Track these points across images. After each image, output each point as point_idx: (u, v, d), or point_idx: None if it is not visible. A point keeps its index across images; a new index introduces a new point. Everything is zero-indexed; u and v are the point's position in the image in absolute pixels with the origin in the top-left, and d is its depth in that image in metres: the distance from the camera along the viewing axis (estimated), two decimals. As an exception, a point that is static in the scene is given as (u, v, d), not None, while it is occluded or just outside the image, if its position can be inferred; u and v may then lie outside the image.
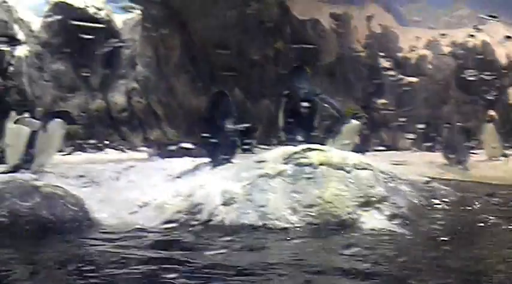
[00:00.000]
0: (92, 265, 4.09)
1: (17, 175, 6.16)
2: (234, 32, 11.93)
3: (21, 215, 5.32)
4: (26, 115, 7.53)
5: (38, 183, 5.79)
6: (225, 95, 7.13)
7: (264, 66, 12.62)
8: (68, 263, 4.22)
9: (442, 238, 4.85)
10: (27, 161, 6.84)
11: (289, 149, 5.96)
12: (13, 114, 7.73)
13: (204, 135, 6.80)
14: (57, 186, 5.83)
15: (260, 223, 5.30)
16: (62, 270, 4.13)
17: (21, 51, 13.32)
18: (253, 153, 8.40)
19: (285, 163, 5.76)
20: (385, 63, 15.34)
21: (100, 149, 12.38)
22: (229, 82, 11.37)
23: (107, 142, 12.60)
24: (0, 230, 5.08)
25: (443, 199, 6.27)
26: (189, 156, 8.27)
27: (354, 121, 8.42)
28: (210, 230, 5.33)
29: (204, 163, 6.92)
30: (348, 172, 5.71)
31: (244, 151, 8.43)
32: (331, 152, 5.97)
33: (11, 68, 12.67)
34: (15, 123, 7.37)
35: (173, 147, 9.62)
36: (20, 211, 5.33)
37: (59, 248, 4.83)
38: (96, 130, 12.87)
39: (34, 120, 7.24)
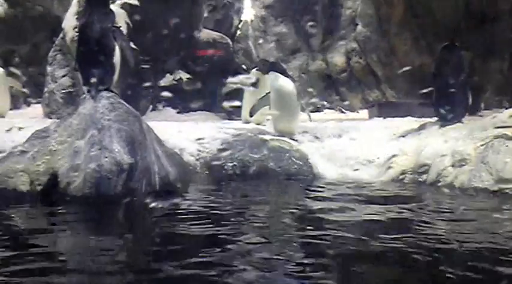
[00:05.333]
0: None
1: (248, 129, 6.49)
2: (462, -16, 10.99)
3: (250, 166, 5.61)
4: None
5: (266, 137, 6.04)
6: (456, 49, 6.60)
7: (496, 21, 11.43)
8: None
9: None
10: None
11: (533, 107, 5.30)
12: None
13: (432, 92, 6.39)
14: (283, 140, 6.02)
15: (496, 188, 4.82)
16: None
17: (247, 15, 14.07)
18: (481, 115, 7.75)
19: (528, 123, 5.15)
20: None
21: (319, 110, 12.56)
22: (455, 39, 10.51)
23: (326, 103, 12.75)
24: (232, 178, 5.42)
25: None
26: (412, 116, 7.93)
27: None
28: (438, 192, 5.02)
29: (430, 122, 6.53)
30: None
31: (472, 112, 7.82)
32: None
33: (239, 32, 13.42)
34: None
35: (393, 107, 9.29)
36: (250, 162, 5.63)
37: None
38: (316, 91, 13.08)
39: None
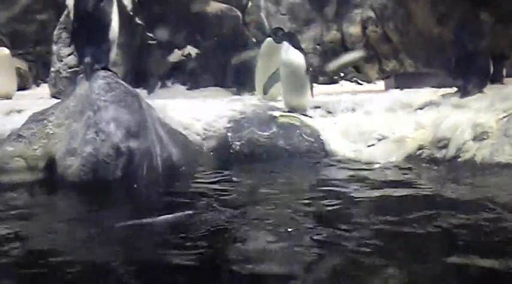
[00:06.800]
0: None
1: (256, 105, 6.21)
2: None
3: (259, 144, 5.36)
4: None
5: (275, 113, 5.77)
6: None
7: (520, -17, 10.88)
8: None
9: None
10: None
11: (560, 75, 4.94)
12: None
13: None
14: (293, 116, 5.75)
15: (520, 162, 4.52)
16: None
17: (258, -14, 13.61)
18: (502, 84, 7.37)
19: (554, 93, 4.80)
20: None
21: (334, 81, 12.21)
22: (475, 4, 10.03)
23: (342, 74, 12.37)
24: (240, 158, 5.18)
25: None
26: (430, 87, 7.57)
27: None
28: (457, 168, 4.73)
29: (449, 93, 6.19)
30: None
31: (493, 81, 7.44)
32: None
33: (250, 3, 13.00)
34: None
35: (412, 77, 8.92)
36: (258, 140, 5.37)
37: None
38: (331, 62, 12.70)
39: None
